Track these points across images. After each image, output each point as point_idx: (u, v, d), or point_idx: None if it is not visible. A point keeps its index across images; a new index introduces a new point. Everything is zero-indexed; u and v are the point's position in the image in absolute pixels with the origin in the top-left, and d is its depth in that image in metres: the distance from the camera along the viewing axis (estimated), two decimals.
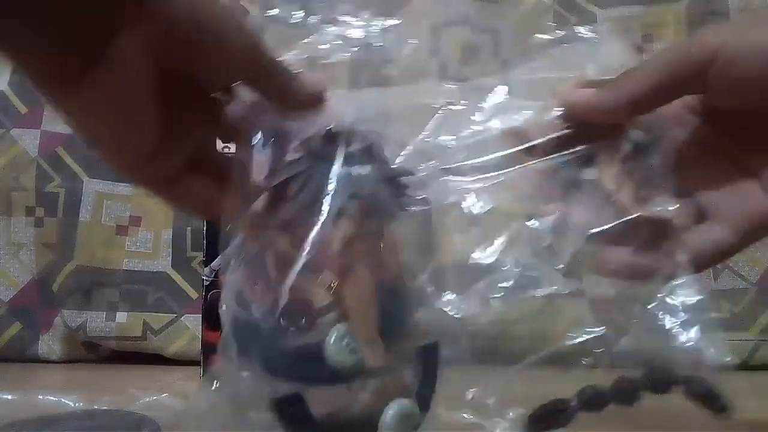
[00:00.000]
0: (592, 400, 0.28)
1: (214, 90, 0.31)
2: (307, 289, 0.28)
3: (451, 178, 0.31)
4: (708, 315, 0.27)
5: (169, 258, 0.69)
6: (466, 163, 0.31)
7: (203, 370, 0.53)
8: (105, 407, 0.42)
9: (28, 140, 0.72)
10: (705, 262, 0.29)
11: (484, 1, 0.70)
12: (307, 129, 0.31)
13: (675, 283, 0.27)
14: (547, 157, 0.30)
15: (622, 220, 0.29)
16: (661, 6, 0.66)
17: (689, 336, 0.27)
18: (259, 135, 0.31)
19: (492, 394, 0.27)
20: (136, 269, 0.68)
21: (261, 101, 0.31)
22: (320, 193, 0.29)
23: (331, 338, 0.28)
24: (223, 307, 0.29)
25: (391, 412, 0.27)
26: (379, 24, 0.34)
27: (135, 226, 0.70)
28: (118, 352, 0.68)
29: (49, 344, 0.69)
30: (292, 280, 0.27)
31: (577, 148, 0.30)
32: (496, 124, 0.32)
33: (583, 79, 0.31)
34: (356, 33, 0.34)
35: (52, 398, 0.45)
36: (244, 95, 0.31)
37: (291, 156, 0.31)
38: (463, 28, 0.69)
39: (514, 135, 0.32)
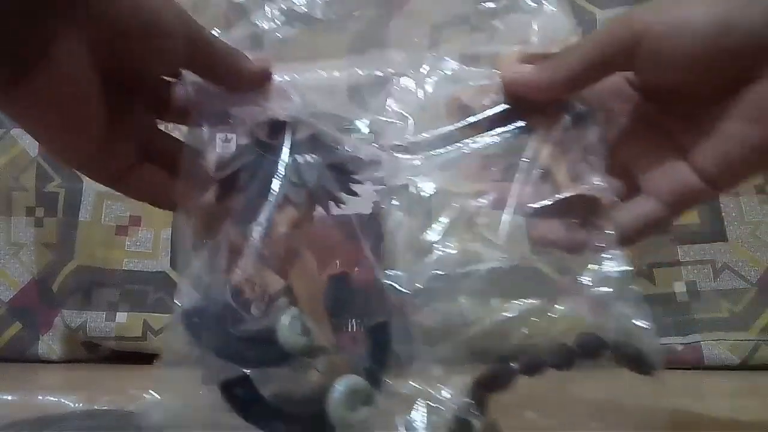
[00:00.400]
0: (531, 365, 0.29)
1: (159, 79, 0.31)
2: (259, 276, 0.29)
3: (399, 156, 0.32)
4: (632, 285, 0.29)
5: (168, 258, 0.69)
6: (412, 139, 0.32)
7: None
8: (105, 407, 0.42)
9: (29, 140, 0.72)
10: (637, 235, 0.30)
11: (484, 0, 0.70)
12: (256, 112, 0.31)
13: (604, 255, 0.29)
14: (488, 133, 0.31)
15: (556, 198, 0.30)
16: None
17: (616, 304, 0.29)
18: (207, 119, 0.31)
19: (437, 365, 0.29)
20: (136, 269, 0.69)
21: (207, 83, 0.31)
22: (268, 182, 0.30)
23: (282, 322, 0.29)
24: (178, 298, 0.30)
25: (339, 387, 0.28)
26: None
27: (135, 226, 0.70)
28: (118, 352, 0.68)
29: (49, 344, 0.69)
30: (245, 269, 0.28)
31: (516, 124, 0.31)
32: (442, 97, 0.33)
33: (524, 53, 0.32)
34: (300, 7, 0.34)
35: (52, 398, 0.45)
36: (189, 77, 0.31)
37: (239, 143, 0.31)
38: (463, 28, 0.69)
39: (458, 108, 0.33)
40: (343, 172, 0.32)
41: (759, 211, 0.62)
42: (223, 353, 0.29)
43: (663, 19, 0.26)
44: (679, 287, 0.62)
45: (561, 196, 0.30)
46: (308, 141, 0.31)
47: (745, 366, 0.58)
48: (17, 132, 0.73)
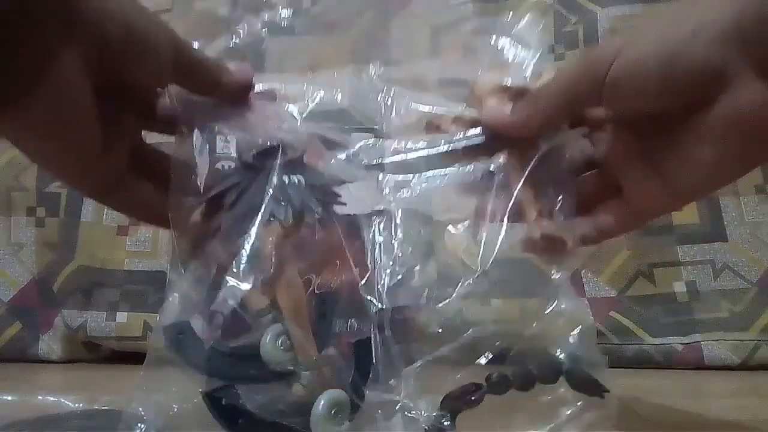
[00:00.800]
0: (498, 385, 0.32)
1: (146, 91, 0.32)
2: (245, 294, 0.29)
3: (380, 178, 0.34)
4: (586, 318, 0.33)
5: (168, 257, 0.69)
6: (393, 160, 0.34)
7: None
8: (105, 407, 0.42)
9: None
10: (602, 238, 0.34)
11: (484, 1, 0.70)
12: (242, 125, 0.33)
13: (559, 292, 0.33)
14: (464, 160, 0.34)
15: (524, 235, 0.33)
16: (662, 5, 0.66)
17: (570, 336, 0.32)
18: (196, 132, 0.32)
19: (412, 380, 0.31)
20: (136, 269, 0.69)
21: (192, 95, 0.32)
22: (254, 203, 0.31)
23: (267, 338, 0.30)
24: (162, 314, 0.31)
25: (322, 401, 0.29)
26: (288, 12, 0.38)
27: (135, 225, 0.70)
28: (118, 352, 0.68)
29: (49, 344, 0.69)
30: (230, 287, 0.29)
31: (491, 158, 0.34)
32: (421, 121, 0.36)
33: (498, 85, 0.35)
34: (276, 18, 0.37)
35: (52, 398, 0.45)
36: (174, 88, 0.32)
37: (226, 164, 0.32)
38: (463, 29, 0.69)
39: (435, 133, 0.35)
40: (327, 194, 0.33)
41: (759, 211, 0.62)
42: (208, 369, 0.29)
43: (622, 59, 0.28)
44: (679, 287, 0.62)
45: (529, 233, 0.33)
46: (294, 162, 0.33)
47: (745, 366, 0.58)
48: None
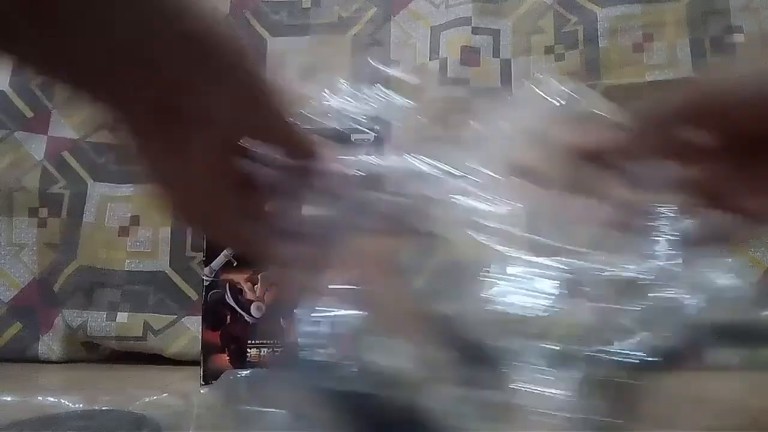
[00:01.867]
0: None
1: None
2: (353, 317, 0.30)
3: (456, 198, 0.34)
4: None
5: (167, 257, 0.69)
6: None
7: (203, 370, 0.53)
8: (105, 407, 0.42)
9: (33, 144, 0.73)
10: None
11: (484, 1, 0.70)
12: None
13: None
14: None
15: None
16: (662, 5, 0.66)
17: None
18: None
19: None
20: (136, 269, 0.69)
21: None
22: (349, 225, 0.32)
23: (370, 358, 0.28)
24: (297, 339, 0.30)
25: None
26: None
27: (134, 225, 0.70)
28: (118, 352, 0.68)
29: (49, 344, 0.69)
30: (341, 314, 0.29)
31: None
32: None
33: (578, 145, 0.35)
34: None
35: (52, 398, 0.45)
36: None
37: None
38: (463, 29, 0.69)
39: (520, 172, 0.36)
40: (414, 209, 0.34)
41: None
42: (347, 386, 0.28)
43: (721, 86, 0.30)
44: None
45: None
46: (369, 179, 0.34)
47: (745, 366, 0.58)
48: (22, 135, 0.73)
